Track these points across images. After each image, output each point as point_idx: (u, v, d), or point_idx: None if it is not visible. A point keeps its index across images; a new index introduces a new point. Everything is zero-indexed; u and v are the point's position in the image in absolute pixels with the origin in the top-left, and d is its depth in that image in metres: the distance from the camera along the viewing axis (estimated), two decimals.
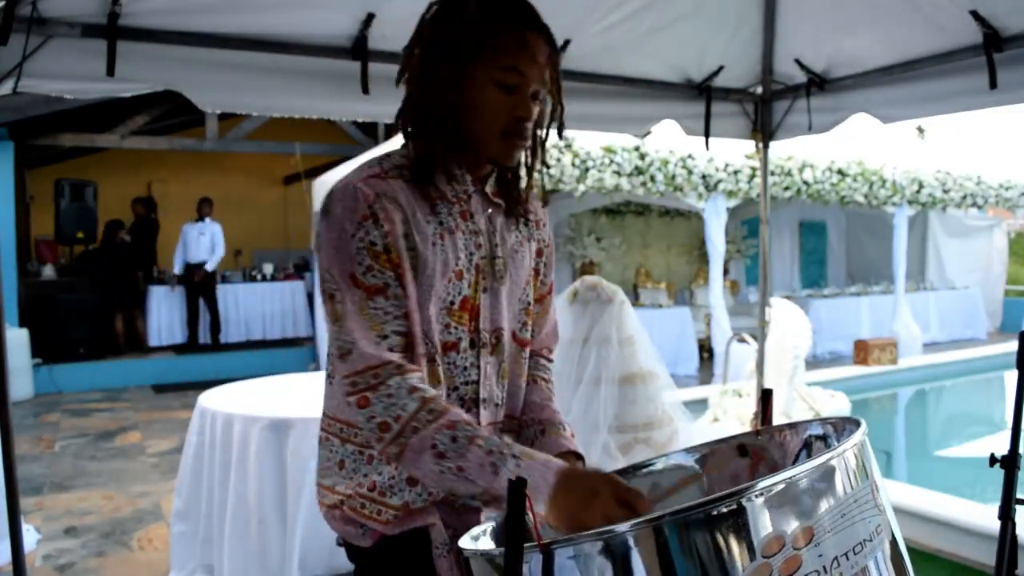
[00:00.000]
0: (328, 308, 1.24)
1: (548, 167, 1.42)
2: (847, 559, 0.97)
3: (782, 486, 0.96)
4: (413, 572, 1.34)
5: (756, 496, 0.95)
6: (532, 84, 1.26)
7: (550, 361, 1.58)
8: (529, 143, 1.33)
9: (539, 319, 1.52)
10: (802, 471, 0.98)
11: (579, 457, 1.42)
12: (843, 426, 1.25)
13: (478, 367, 1.35)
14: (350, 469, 1.34)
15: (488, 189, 1.36)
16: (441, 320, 1.29)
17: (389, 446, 1.17)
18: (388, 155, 1.32)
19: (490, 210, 1.36)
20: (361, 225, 1.21)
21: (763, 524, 0.94)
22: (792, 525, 0.95)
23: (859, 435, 1.09)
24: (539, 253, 1.49)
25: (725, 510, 0.94)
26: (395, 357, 1.21)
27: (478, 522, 1.31)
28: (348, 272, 1.21)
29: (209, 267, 9.79)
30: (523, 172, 1.39)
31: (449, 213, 1.30)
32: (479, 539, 1.22)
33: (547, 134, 1.36)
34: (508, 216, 1.40)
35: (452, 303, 1.30)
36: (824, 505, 0.98)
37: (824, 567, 0.95)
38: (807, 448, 1.31)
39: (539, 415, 1.48)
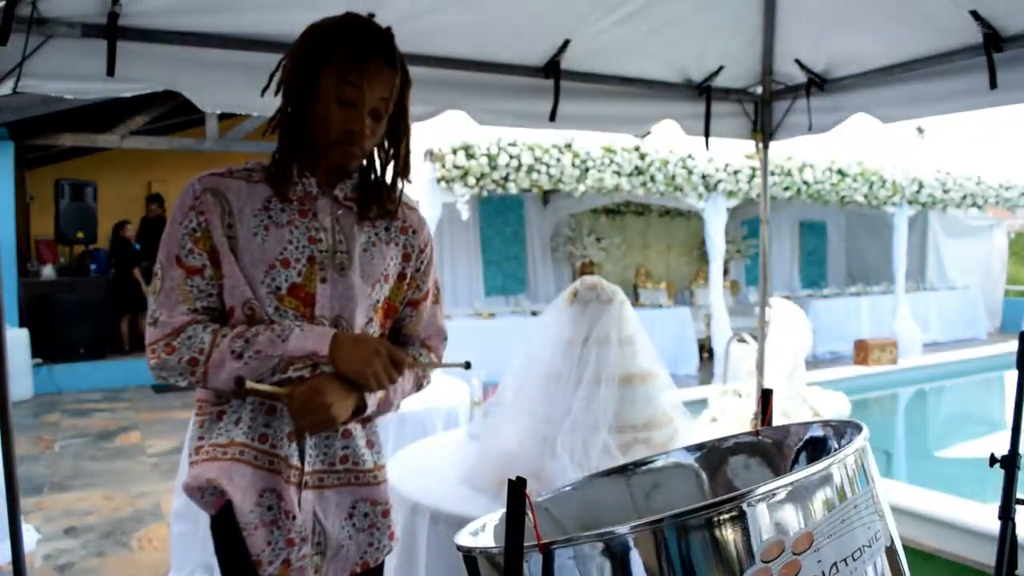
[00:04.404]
0: (153, 285, 1.45)
1: (410, 181, 1.55)
2: (846, 564, 0.97)
3: (783, 491, 0.96)
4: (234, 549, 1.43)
5: (757, 500, 0.95)
6: (369, 103, 1.40)
7: (431, 348, 1.69)
8: (386, 156, 1.51)
9: (412, 322, 1.64)
10: (803, 476, 0.98)
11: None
12: (844, 430, 1.25)
13: None
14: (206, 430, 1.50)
15: (339, 193, 1.50)
16: (270, 303, 1.44)
17: (199, 373, 1.40)
18: (249, 162, 1.50)
19: (339, 211, 1.50)
20: (187, 214, 1.43)
21: (763, 528, 0.94)
22: (792, 530, 0.95)
23: (860, 440, 1.09)
24: (406, 258, 1.59)
25: (725, 514, 0.94)
26: (198, 319, 1.41)
27: (288, 480, 1.43)
28: (174, 254, 1.42)
29: None
30: (386, 180, 1.53)
31: (283, 210, 1.46)
32: (478, 535, 1.22)
33: (405, 149, 1.52)
34: (363, 219, 1.52)
35: (279, 288, 1.44)
36: (824, 510, 0.98)
37: (823, 572, 0.95)
38: (807, 450, 1.31)
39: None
